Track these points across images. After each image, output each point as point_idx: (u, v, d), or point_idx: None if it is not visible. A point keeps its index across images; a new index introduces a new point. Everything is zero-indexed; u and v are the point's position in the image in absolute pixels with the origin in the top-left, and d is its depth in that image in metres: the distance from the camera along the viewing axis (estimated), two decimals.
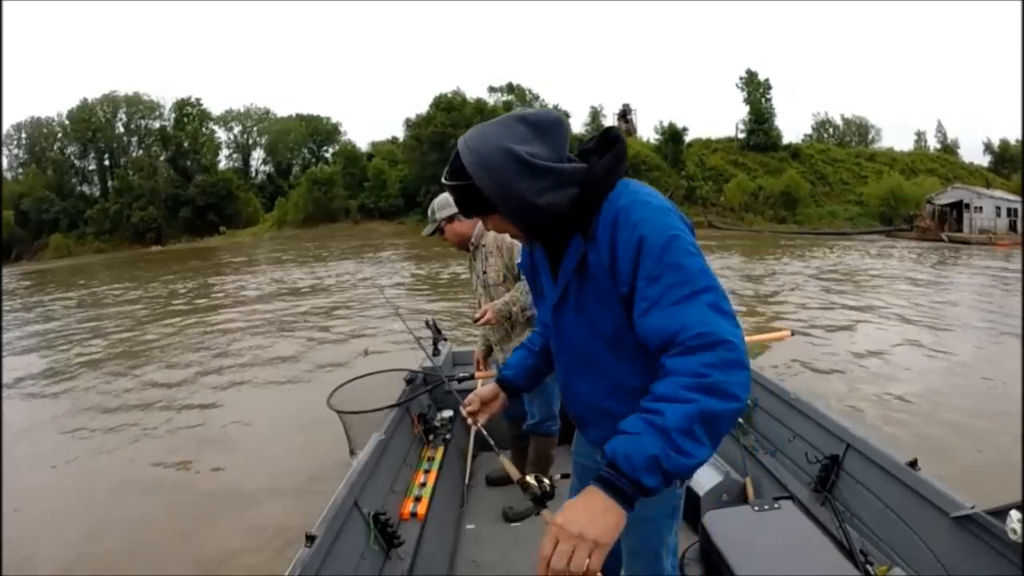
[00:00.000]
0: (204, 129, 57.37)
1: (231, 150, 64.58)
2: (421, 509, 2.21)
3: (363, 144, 58.16)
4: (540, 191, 1.00)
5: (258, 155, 66.27)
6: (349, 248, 29.71)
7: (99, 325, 11.15)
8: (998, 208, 33.35)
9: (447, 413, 2.93)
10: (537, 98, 49.19)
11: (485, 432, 1.43)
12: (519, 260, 2.37)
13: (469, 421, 1.40)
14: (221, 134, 62.44)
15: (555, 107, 45.93)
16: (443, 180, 1.06)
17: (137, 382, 6.81)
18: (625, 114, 50.70)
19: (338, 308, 11.35)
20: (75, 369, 7.68)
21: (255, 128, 65.76)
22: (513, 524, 2.56)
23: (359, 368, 3.55)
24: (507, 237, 2.42)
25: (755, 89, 45.89)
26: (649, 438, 0.84)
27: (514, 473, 1.28)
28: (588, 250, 1.05)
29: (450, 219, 2.50)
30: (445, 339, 3.46)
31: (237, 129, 65.16)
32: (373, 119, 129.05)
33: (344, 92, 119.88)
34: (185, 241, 46.50)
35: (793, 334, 3.75)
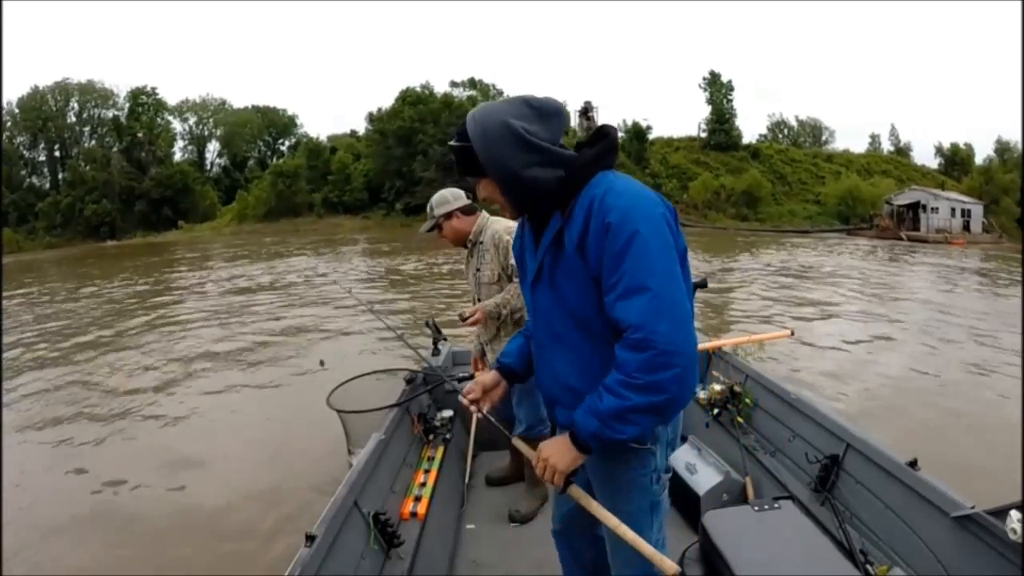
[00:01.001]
0: (159, 120, 54.42)
1: (186, 141, 61.70)
2: (421, 509, 2.21)
3: (319, 138, 56.81)
4: (527, 164, 1.12)
5: (213, 147, 63.63)
6: (313, 243, 28.82)
7: (65, 324, 10.73)
8: (953, 209, 35.55)
9: (447, 413, 2.93)
10: (501, 93, 48.61)
11: (492, 419, 1.46)
12: (511, 260, 2.37)
13: (472, 408, 1.42)
14: (176, 125, 59.38)
15: None
16: (449, 143, 1.21)
17: (106, 384, 6.64)
18: (587, 111, 51.10)
19: (312, 305, 11.29)
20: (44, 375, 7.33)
21: (211, 119, 63.13)
22: (513, 524, 2.56)
23: (345, 369, 3.53)
24: (504, 236, 2.43)
25: (718, 90, 46.97)
26: (592, 419, 1.11)
27: (528, 452, 1.34)
28: (564, 227, 1.15)
29: (448, 216, 2.50)
30: (445, 339, 3.46)
31: (192, 120, 62.47)
32: (330, 113, 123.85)
33: (300, 85, 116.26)
34: (140, 236, 44.13)
35: (793, 334, 3.75)
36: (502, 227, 2.47)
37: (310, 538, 1.47)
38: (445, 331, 3.40)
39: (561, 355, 1.25)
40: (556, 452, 1.19)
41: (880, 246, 26.50)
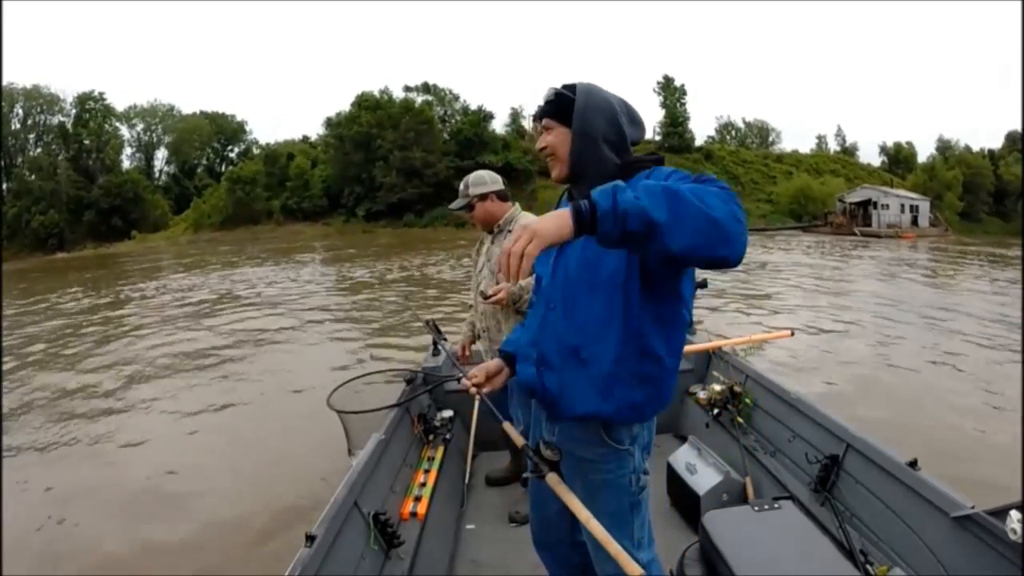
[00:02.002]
0: (108, 126, 51.37)
1: (134, 149, 59.08)
2: (421, 509, 2.21)
3: (269, 144, 55.83)
4: (605, 136, 1.27)
5: (162, 154, 61.14)
6: (275, 250, 27.87)
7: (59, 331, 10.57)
8: (902, 205, 38.53)
9: (447, 413, 2.93)
10: (457, 98, 48.54)
11: (490, 403, 1.45)
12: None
13: (473, 391, 1.44)
14: (124, 131, 56.45)
15: (479, 108, 46.58)
16: (553, 88, 1.30)
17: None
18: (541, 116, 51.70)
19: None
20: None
21: (160, 125, 60.64)
22: (512, 524, 2.56)
23: (345, 371, 3.53)
24: None
25: (671, 94, 48.23)
26: (618, 190, 0.95)
27: (518, 440, 1.35)
28: None
29: (483, 197, 2.47)
30: (445, 339, 3.45)
31: (140, 126, 59.90)
32: (280, 118, 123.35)
33: (249, 90, 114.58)
34: (91, 247, 41.83)
35: (793, 333, 3.75)
36: (531, 220, 2.47)
37: (310, 538, 1.47)
38: (445, 331, 3.40)
39: (572, 314, 1.27)
40: (540, 219, 0.99)
41: (835, 242, 27.83)
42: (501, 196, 2.51)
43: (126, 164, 54.01)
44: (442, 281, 14.59)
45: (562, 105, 1.28)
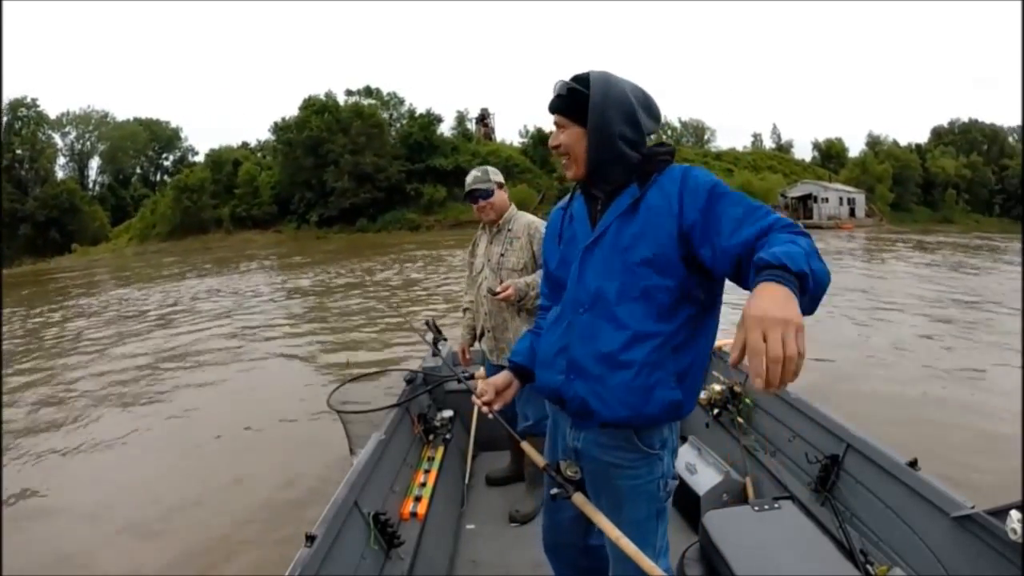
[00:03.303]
0: (41, 134, 48.94)
1: (67, 158, 56.05)
2: (421, 509, 2.21)
3: (203, 151, 53.93)
4: (622, 134, 1.21)
5: (95, 164, 58.14)
6: (228, 259, 27.01)
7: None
8: (840, 198, 41.78)
9: (447, 413, 2.92)
10: (403, 102, 48.46)
11: (503, 420, 1.45)
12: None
13: (484, 410, 1.41)
14: (57, 140, 53.60)
15: (428, 111, 46.32)
16: (564, 81, 1.24)
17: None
18: (483, 118, 52.48)
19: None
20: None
21: (94, 133, 57.69)
22: (512, 524, 2.56)
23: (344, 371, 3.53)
24: (540, 226, 2.41)
25: None
26: (795, 247, 0.92)
27: (539, 460, 1.32)
28: (644, 197, 1.21)
29: (500, 185, 2.50)
30: (445, 339, 3.45)
31: (73, 135, 56.82)
32: (216, 125, 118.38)
33: (185, 96, 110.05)
34: (29, 263, 39.14)
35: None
36: (532, 219, 2.50)
37: (310, 538, 1.47)
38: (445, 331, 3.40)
39: (604, 320, 1.22)
40: (777, 303, 0.84)
41: None
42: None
43: (59, 174, 51.40)
44: (416, 281, 14.65)
45: (575, 101, 1.22)
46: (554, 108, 1.26)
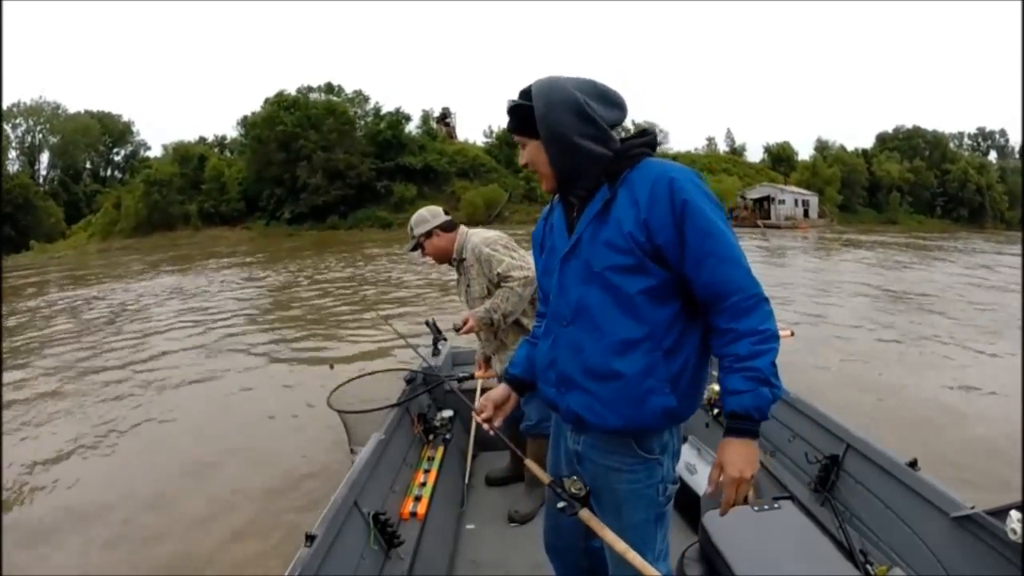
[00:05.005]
0: None
1: (17, 152, 52.88)
2: (421, 509, 2.21)
3: (156, 146, 51.38)
4: (582, 134, 1.15)
5: (46, 158, 54.94)
6: (199, 256, 25.82)
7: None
8: (796, 200, 44.60)
9: (447, 413, 2.93)
10: (367, 100, 47.52)
11: (504, 437, 1.45)
12: (498, 269, 2.35)
13: (485, 427, 1.41)
14: (8, 131, 50.78)
15: (397, 109, 45.73)
16: (511, 99, 1.21)
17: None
18: (444, 117, 52.24)
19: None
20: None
21: (46, 126, 54.58)
22: (512, 524, 2.56)
23: (345, 371, 3.52)
24: (484, 248, 2.39)
25: None
26: (762, 388, 1.10)
27: (543, 477, 1.30)
28: (615, 197, 1.16)
29: (428, 235, 2.47)
30: (445, 339, 3.46)
31: (23, 127, 53.72)
32: (173, 118, 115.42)
33: (136, 88, 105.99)
34: None
35: (793, 334, 3.74)
36: (479, 239, 2.46)
37: (310, 538, 1.47)
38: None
39: (587, 331, 1.20)
40: (741, 458, 1.13)
41: (746, 235, 30.11)
42: (445, 228, 2.49)
43: (9, 168, 48.19)
44: (391, 280, 14.59)
45: (523, 117, 1.18)
46: (511, 128, 1.24)
